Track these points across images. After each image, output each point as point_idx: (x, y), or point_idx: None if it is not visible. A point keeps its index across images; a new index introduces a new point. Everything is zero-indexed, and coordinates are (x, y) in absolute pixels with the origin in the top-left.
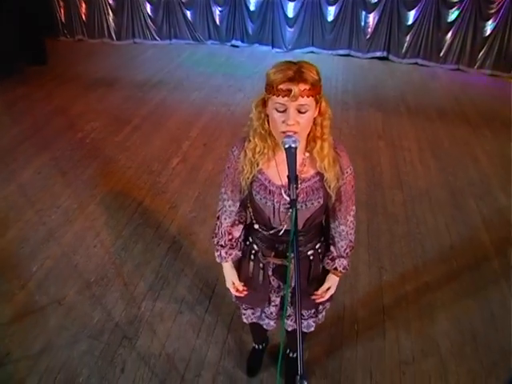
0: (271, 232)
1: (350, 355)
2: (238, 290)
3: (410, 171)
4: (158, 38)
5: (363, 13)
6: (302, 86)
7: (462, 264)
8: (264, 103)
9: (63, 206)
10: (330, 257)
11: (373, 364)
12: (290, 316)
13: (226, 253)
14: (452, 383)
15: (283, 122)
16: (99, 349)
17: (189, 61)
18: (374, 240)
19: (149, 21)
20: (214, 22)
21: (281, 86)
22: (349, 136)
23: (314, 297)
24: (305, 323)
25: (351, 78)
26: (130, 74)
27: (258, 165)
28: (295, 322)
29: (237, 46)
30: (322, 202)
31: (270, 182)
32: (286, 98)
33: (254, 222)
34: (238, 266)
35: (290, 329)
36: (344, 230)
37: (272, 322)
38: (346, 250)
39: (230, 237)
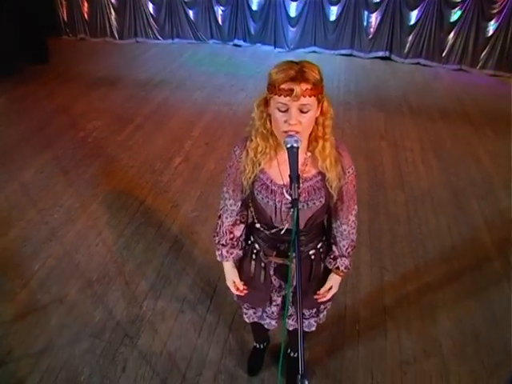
0: (273, 231)
1: (351, 355)
2: (238, 289)
3: (412, 171)
4: (160, 38)
5: (365, 13)
6: (304, 86)
7: (464, 264)
8: (266, 103)
9: (65, 205)
10: (332, 256)
11: (374, 364)
12: (291, 315)
13: (227, 252)
14: None
15: (285, 121)
16: (100, 347)
17: (191, 60)
18: (375, 240)
19: (151, 20)
20: (217, 21)
21: (283, 86)
22: (351, 136)
23: (316, 296)
24: (306, 323)
25: (353, 77)
26: (133, 73)
27: (259, 164)
28: (296, 321)
29: (239, 46)
30: (323, 202)
31: (271, 181)
32: (287, 98)
33: (256, 221)
34: (240, 265)
35: (291, 328)
36: (346, 229)
37: (273, 322)
38: (347, 249)
39: (231, 236)
